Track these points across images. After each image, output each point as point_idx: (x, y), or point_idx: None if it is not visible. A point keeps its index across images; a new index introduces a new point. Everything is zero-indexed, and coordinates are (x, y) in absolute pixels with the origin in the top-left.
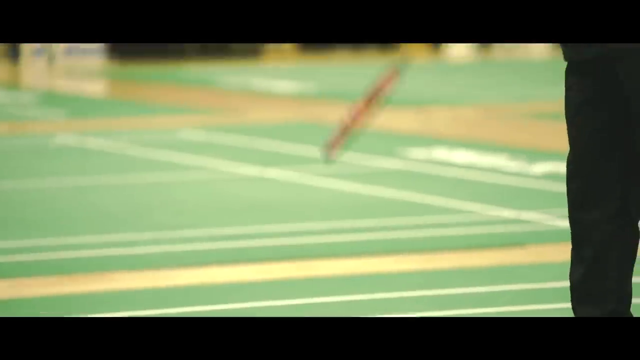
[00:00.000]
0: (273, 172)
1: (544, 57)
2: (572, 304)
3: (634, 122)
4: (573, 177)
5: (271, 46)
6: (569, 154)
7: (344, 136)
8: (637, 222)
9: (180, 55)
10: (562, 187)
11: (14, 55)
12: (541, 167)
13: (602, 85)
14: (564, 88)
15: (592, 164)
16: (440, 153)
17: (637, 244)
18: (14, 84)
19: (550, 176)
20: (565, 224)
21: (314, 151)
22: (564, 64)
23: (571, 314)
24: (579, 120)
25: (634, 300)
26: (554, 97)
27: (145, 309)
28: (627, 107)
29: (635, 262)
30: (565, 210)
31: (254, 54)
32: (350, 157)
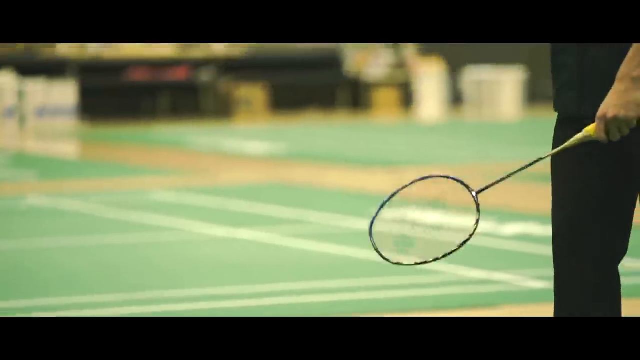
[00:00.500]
0: (244, 233)
1: (514, 118)
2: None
3: (635, 179)
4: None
5: (242, 107)
6: (558, 210)
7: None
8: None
9: (152, 117)
10: (533, 248)
11: None
12: (512, 228)
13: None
14: (554, 141)
15: (583, 220)
16: (412, 213)
17: (620, 288)
18: None
19: (521, 237)
20: (537, 284)
21: (285, 212)
22: (534, 125)
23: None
24: (574, 176)
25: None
26: (524, 157)
27: None
28: (628, 163)
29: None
30: (536, 271)
31: (225, 115)
32: (321, 218)
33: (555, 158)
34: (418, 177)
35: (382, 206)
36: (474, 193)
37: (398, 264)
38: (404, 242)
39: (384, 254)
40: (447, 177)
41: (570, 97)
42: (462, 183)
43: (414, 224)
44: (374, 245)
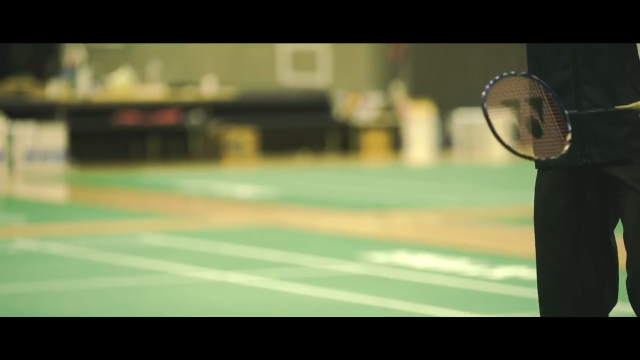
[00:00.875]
0: (234, 276)
1: (503, 162)
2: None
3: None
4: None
5: (232, 150)
6: (542, 261)
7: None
8: (611, 309)
9: (141, 160)
10: (524, 292)
11: None
12: (502, 272)
13: (589, 191)
14: (535, 192)
15: (568, 267)
16: (401, 257)
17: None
18: None
19: (511, 280)
20: None
21: (275, 255)
22: (522, 169)
23: None
24: (559, 230)
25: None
26: (514, 201)
27: None
28: (616, 207)
29: None
30: (525, 314)
31: (215, 158)
32: (311, 261)
33: (538, 213)
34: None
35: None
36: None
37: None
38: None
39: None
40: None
41: (571, 148)
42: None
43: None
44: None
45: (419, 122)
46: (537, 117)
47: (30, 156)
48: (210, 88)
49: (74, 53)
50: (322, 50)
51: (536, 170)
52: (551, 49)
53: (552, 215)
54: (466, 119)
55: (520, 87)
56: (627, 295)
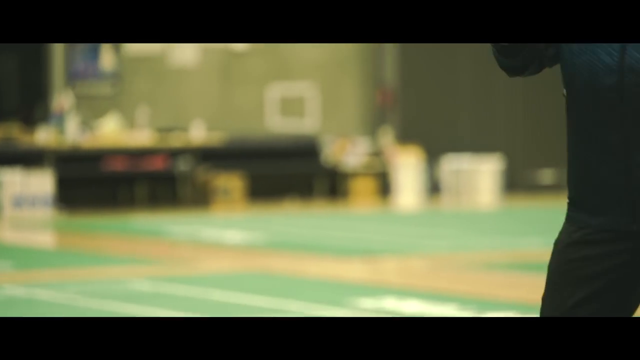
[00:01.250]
0: None
1: (491, 207)
2: None
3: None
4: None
5: (220, 196)
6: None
7: None
8: None
9: (130, 206)
10: None
11: None
12: (491, 317)
13: (627, 256)
14: (561, 246)
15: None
16: (390, 303)
17: None
18: None
19: None
20: None
21: (264, 301)
22: (511, 214)
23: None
24: (582, 288)
25: None
26: (503, 247)
27: None
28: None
29: None
30: None
31: (203, 203)
32: (300, 307)
33: (560, 269)
34: None
35: None
36: None
37: None
38: None
39: None
40: None
41: (621, 212)
42: None
43: None
44: None
45: (407, 167)
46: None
47: (18, 202)
48: (198, 133)
49: (63, 99)
50: (311, 95)
51: (528, 213)
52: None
53: (578, 275)
54: (454, 165)
55: None
56: None
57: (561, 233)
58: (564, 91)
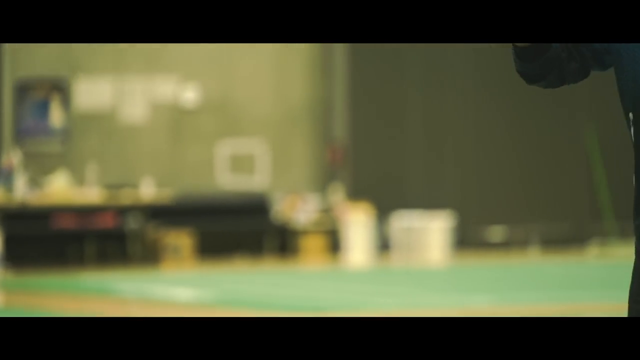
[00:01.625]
0: None
1: (441, 264)
2: None
3: None
4: None
5: (169, 253)
6: None
7: None
8: None
9: (79, 264)
10: None
11: None
12: None
13: None
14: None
15: None
16: None
17: None
18: None
19: None
20: None
21: None
22: (461, 271)
23: None
24: None
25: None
26: (452, 304)
27: None
28: None
29: None
30: None
31: (153, 261)
32: None
33: None
34: None
35: None
36: None
37: None
38: None
39: None
40: None
41: None
42: None
43: None
44: None
45: (358, 224)
46: None
47: None
48: (148, 190)
49: (11, 156)
50: (261, 152)
51: (477, 272)
52: None
53: None
54: (405, 222)
55: None
56: None
57: (636, 260)
58: (630, 115)
